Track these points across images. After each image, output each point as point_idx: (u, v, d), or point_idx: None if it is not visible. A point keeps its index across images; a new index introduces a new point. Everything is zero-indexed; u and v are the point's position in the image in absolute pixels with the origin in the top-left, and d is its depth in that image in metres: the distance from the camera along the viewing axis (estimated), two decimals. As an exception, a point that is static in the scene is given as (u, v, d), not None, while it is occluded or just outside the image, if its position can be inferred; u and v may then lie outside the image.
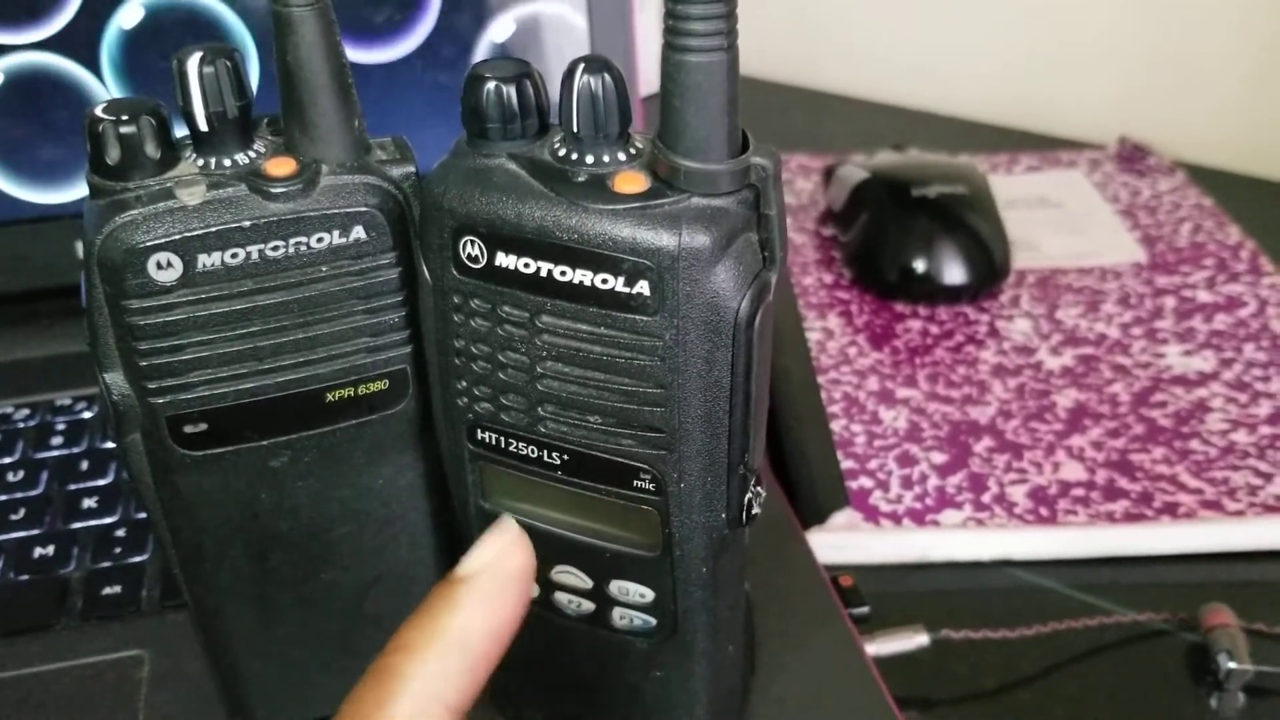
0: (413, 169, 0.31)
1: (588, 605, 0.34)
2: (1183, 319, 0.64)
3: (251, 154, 0.30)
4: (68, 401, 0.53)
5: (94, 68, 0.56)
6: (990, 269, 0.65)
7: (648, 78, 0.83)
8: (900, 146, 0.75)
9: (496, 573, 0.28)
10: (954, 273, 0.65)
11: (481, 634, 0.27)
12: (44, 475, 0.49)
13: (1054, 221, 0.74)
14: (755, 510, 0.31)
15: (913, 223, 0.66)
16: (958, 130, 0.89)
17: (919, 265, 0.65)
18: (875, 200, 0.68)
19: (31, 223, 0.58)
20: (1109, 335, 0.63)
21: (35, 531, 0.47)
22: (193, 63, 0.28)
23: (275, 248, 0.29)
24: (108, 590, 0.44)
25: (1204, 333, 0.63)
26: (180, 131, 0.30)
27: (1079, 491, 0.52)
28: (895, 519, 0.51)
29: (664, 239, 0.27)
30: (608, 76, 0.27)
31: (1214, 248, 0.71)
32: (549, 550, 0.32)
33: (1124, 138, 0.83)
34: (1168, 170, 0.80)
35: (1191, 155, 0.82)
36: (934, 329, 0.64)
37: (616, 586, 0.33)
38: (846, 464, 0.54)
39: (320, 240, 0.30)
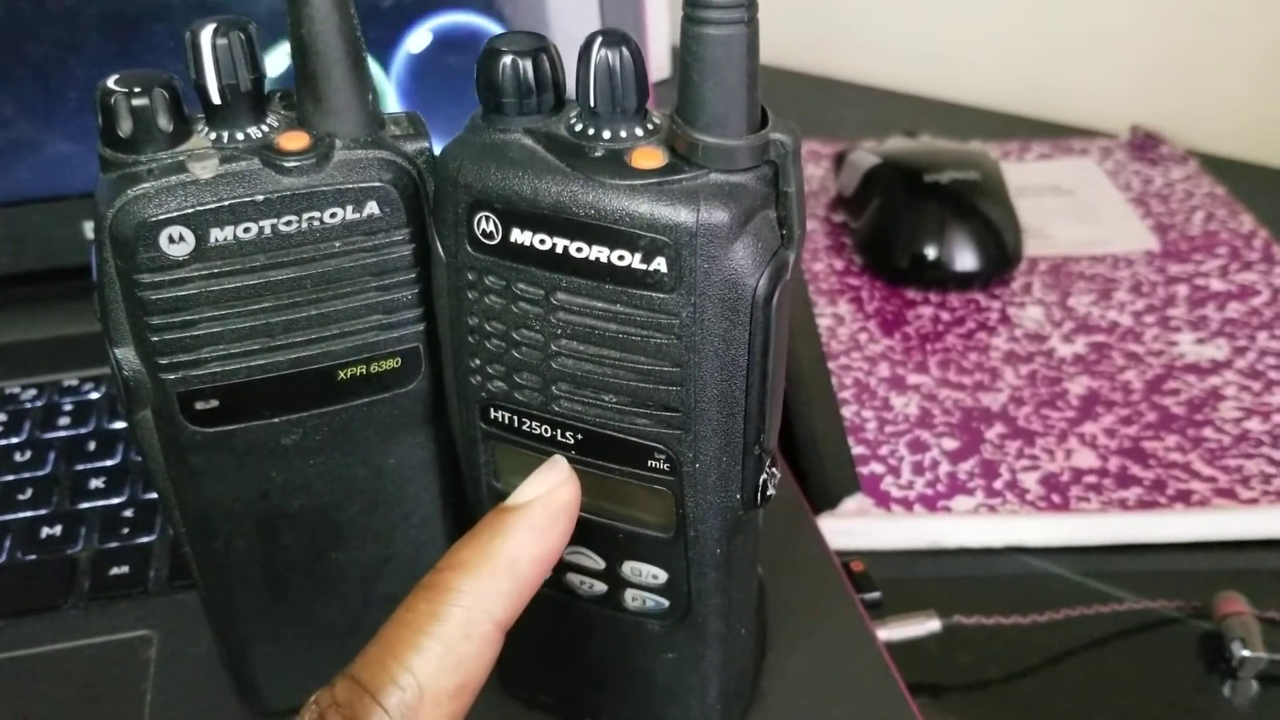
0: (427, 144, 0.31)
1: (600, 586, 0.33)
2: (1195, 307, 0.64)
3: (264, 128, 0.30)
4: (75, 382, 0.53)
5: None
6: (1002, 256, 0.65)
7: (658, 61, 0.83)
8: (912, 133, 0.75)
9: (547, 505, 0.29)
10: (965, 259, 0.64)
11: (530, 559, 0.28)
12: (51, 455, 0.49)
13: (1066, 209, 0.74)
14: (770, 492, 0.31)
15: (924, 209, 0.65)
16: (970, 117, 0.89)
17: (930, 252, 0.64)
18: (887, 186, 0.68)
19: (38, 203, 0.57)
20: (1121, 323, 0.63)
21: (43, 511, 0.46)
22: (206, 35, 0.28)
23: (288, 222, 0.29)
24: (115, 570, 0.44)
25: (1217, 321, 0.62)
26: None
27: (1091, 478, 0.52)
28: (906, 505, 0.51)
29: (682, 215, 0.26)
30: (625, 51, 0.27)
31: (1227, 236, 0.70)
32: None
33: (1136, 126, 0.83)
34: (1180, 159, 0.80)
35: (1204, 144, 0.82)
36: (945, 316, 0.64)
37: (629, 568, 0.33)
38: (857, 450, 0.54)
39: (333, 215, 0.29)
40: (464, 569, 0.27)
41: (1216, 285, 0.66)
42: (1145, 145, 0.81)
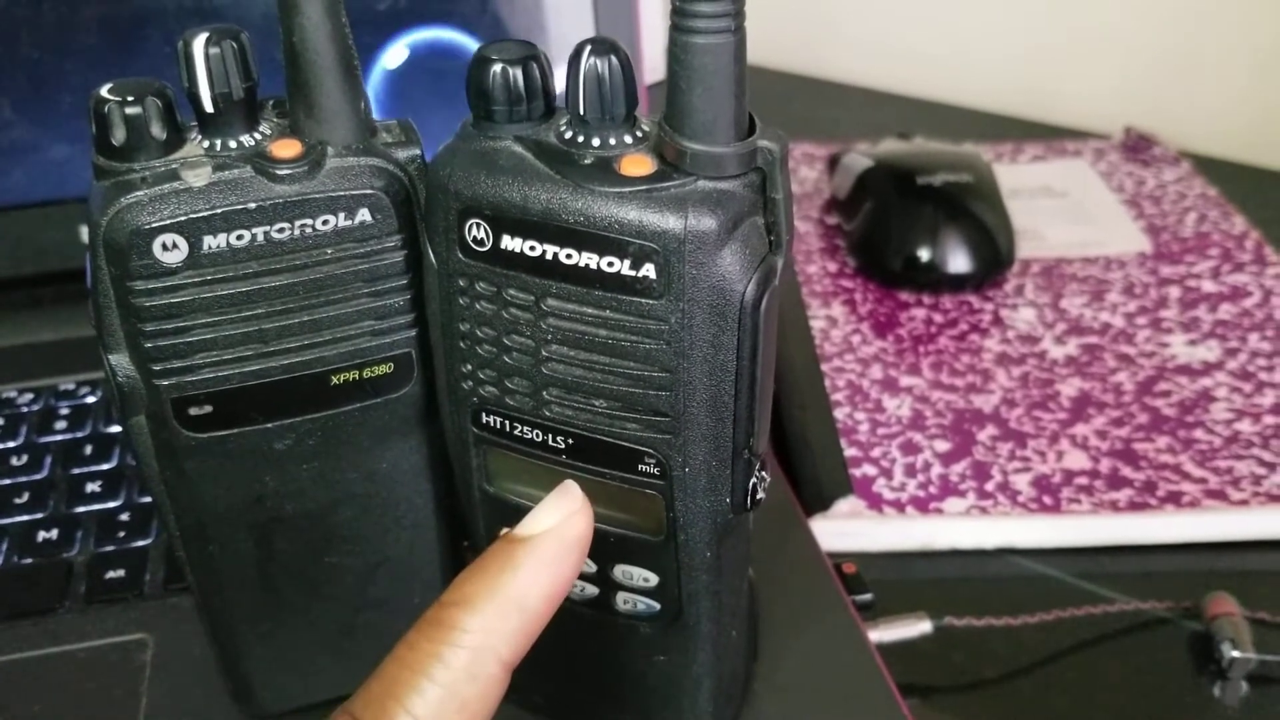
0: (418, 151, 0.31)
1: (591, 590, 0.34)
2: (1187, 309, 0.64)
3: (257, 136, 0.30)
4: (71, 386, 0.53)
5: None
6: (995, 258, 0.65)
7: (653, 64, 0.83)
8: (905, 135, 0.75)
9: (560, 537, 0.27)
10: (958, 261, 0.65)
11: (539, 596, 0.27)
12: (48, 459, 0.49)
13: (1059, 211, 0.74)
14: (760, 495, 0.31)
15: (917, 211, 0.66)
16: (963, 119, 0.89)
17: (923, 254, 0.65)
18: (880, 188, 0.68)
19: (34, 207, 0.58)
20: (1113, 324, 0.63)
21: (39, 515, 0.47)
22: (198, 44, 0.28)
23: (281, 230, 0.29)
24: (111, 574, 0.44)
25: (1208, 322, 0.63)
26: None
27: (1082, 480, 0.52)
28: (899, 507, 0.51)
29: (670, 222, 0.27)
30: (614, 59, 0.27)
31: (1219, 238, 0.71)
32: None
33: (1129, 127, 0.83)
34: (1173, 160, 0.80)
35: (1197, 145, 0.82)
36: (938, 318, 0.64)
37: (620, 571, 0.33)
38: (850, 452, 0.54)
39: (326, 222, 0.30)
40: (470, 605, 0.26)
41: (1208, 287, 0.66)
42: (1138, 147, 0.82)
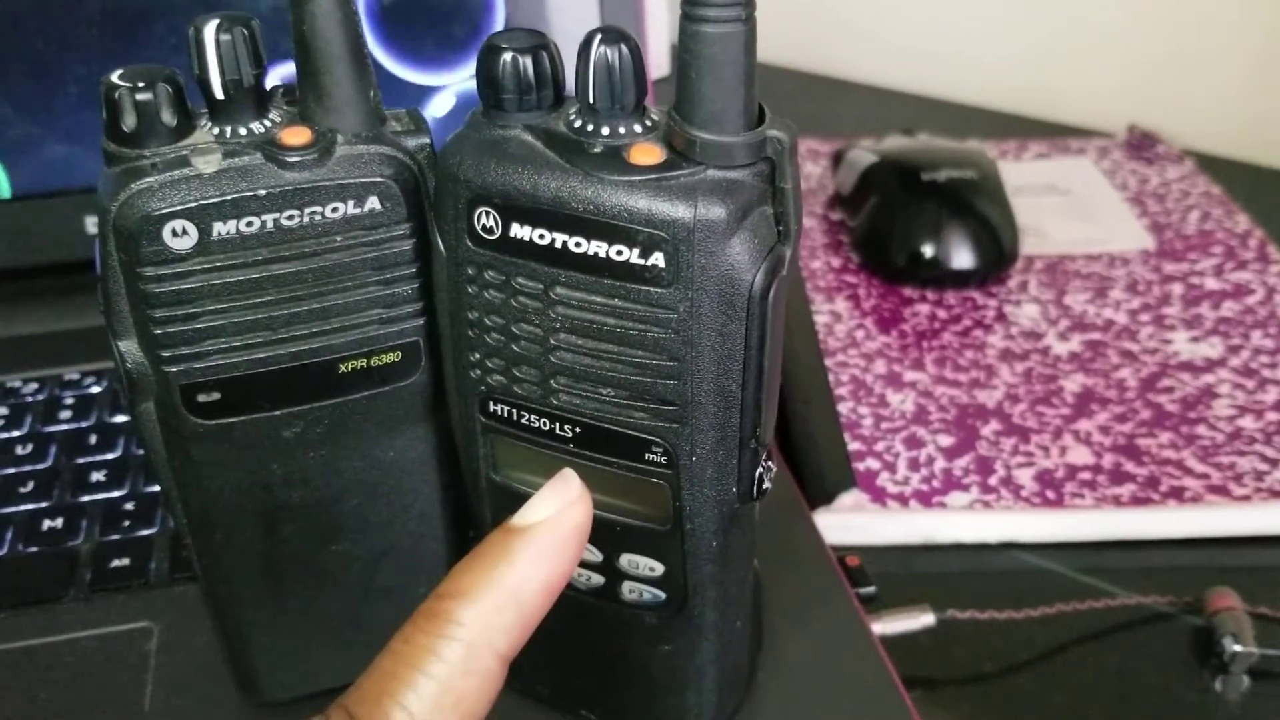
0: (428, 140, 0.31)
1: (597, 579, 0.34)
2: (1190, 306, 0.64)
3: (267, 123, 0.30)
4: (76, 376, 0.54)
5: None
6: (999, 254, 0.65)
7: (657, 60, 0.84)
8: (910, 131, 0.75)
9: (557, 527, 0.27)
10: (962, 258, 0.65)
11: (536, 588, 0.26)
12: (52, 449, 0.49)
13: (1062, 208, 0.74)
14: (766, 485, 0.31)
15: (921, 207, 0.66)
16: (967, 116, 0.89)
17: (927, 250, 0.65)
18: (884, 184, 0.68)
19: (39, 198, 0.58)
20: (1117, 321, 0.63)
21: (44, 504, 0.47)
22: (209, 30, 0.28)
23: (290, 217, 0.29)
24: (116, 563, 0.44)
25: (1211, 319, 0.63)
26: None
27: (1085, 475, 0.52)
28: (902, 500, 0.51)
29: (679, 211, 0.27)
30: (624, 48, 0.27)
31: (1222, 235, 0.71)
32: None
33: (1133, 125, 0.83)
34: (1176, 158, 0.80)
35: (1200, 143, 0.82)
36: (942, 313, 0.64)
37: (626, 560, 0.33)
38: (853, 446, 0.54)
39: (335, 210, 0.30)
40: (465, 598, 0.26)
41: (1211, 284, 0.66)
42: (1142, 145, 0.82)
